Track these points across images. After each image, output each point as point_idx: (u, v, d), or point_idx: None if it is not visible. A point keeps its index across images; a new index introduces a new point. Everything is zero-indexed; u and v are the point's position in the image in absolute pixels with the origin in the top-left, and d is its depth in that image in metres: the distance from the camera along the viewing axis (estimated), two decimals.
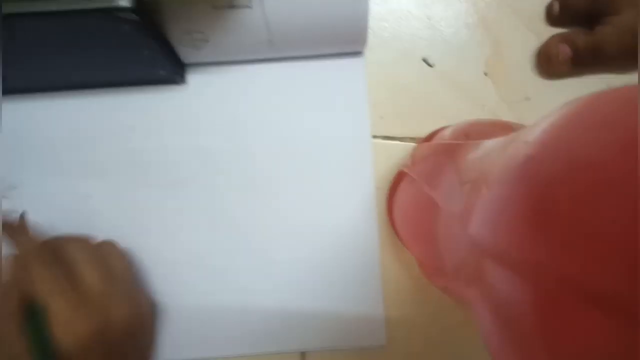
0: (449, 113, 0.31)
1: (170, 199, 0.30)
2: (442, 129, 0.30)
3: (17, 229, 0.26)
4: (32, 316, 0.23)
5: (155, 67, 0.28)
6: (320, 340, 0.32)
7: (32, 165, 0.31)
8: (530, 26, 0.32)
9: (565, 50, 0.29)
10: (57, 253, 0.25)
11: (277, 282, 0.31)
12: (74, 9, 0.22)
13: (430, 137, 0.30)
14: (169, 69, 0.28)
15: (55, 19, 0.23)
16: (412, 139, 0.31)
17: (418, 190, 0.25)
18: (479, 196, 0.15)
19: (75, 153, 0.31)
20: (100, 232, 0.28)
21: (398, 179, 0.30)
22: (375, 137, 0.31)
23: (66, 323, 0.23)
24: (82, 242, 0.26)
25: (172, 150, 0.31)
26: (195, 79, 0.31)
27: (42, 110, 0.30)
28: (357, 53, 0.31)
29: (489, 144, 0.18)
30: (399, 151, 0.31)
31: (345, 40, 0.29)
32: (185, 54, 0.29)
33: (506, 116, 0.32)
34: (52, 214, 0.30)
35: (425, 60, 0.31)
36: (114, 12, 0.22)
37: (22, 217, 0.27)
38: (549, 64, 0.30)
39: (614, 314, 0.10)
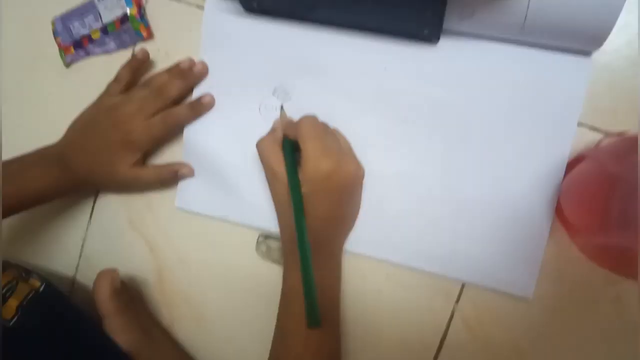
0: None
1: (400, 131, 0.39)
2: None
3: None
4: (292, 150, 0.36)
5: (424, 25, 0.36)
6: (481, 277, 0.38)
7: (302, 80, 0.41)
8: None
9: None
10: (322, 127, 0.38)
11: (464, 217, 0.38)
12: None
13: (620, 134, 0.36)
14: (433, 29, 0.36)
15: None
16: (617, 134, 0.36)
17: (598, 170, 0.32)
18: None
19: (340, 80, 0.40)
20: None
21: (573, 164, 0.36)
22: (580, 124, 0.36)
23: (314, 159, 0.35)
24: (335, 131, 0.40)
25: (412, 94, 0.39)
26: (446, 44, 0.38)
27: (326, 42, 0.40)
28: (588, 53, 0.36)
29: None
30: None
31: (586, 37, 0.34)
32: (450, 21, 0.36)
33: None
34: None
35: None
36: None
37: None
38: None
39: None
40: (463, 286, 0.39)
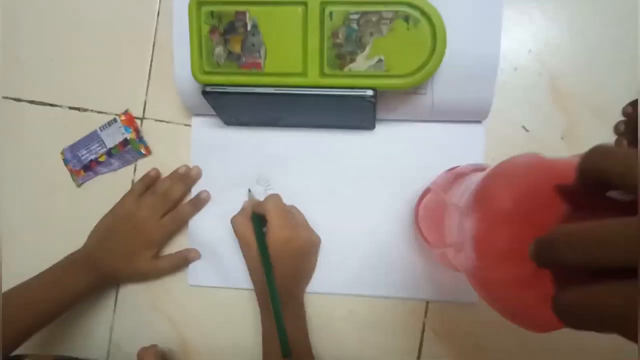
0: None
1: (350, 194, 0.52)
2: (457, 167, 0.48)
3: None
4: (260, 223, 0.47)
5: (363, 121, 0.49)
6: (440, 294, 0.51)
7: (277, 170, 0.53)
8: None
9: None
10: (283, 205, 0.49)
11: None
12: (342, 94, 0.43)
13: (453, 168, 0.48)
14: (369, 122, 0.49)
15: (326, 98, 0.44)
16: None
17: (437, 198, 0.43)
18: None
19: (305, 166, 0.53)
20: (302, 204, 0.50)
21: (424, 194, 0.48)
22: None
23: (277, 229, 0.46)
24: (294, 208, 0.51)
25: (357, 167, 0.52)
26: (380, 128, 0.52)
27: (291, 140, 0.53)
28: (478, 121, 0.51)
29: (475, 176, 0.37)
30: None
31: (475, 113, 0.49)
32: (380, 114, 0.49)
33: None
34: (286, 192, 0.52)
35: (523, 127, 0.50)
36: (364, 97, 0.43)
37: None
38: None
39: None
40: (428, 303, 0.51)
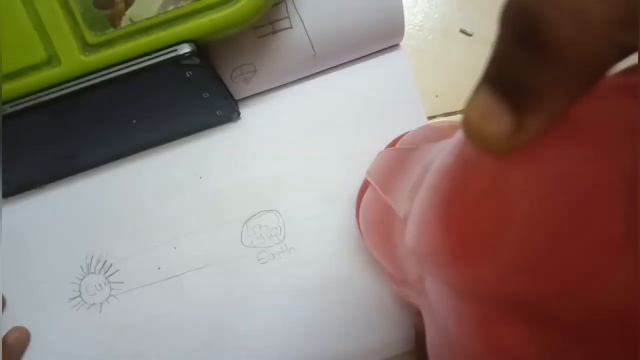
0: None
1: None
2: (405, 134, 0.28)
3: None
4: None
5: (213, 109, 0.29)
6: None
7: (112, 236, 0.31)
8: None
9: None
10: None
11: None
12: (140, 67, 0.23)
13: (394, 143, 0.28)
14: (225, 108, 0.29)
15: (120, 82, 0.23)
16: None
17: (378, 197, 0.23)
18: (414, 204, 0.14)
19: (158, 209, 0.31)
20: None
21: (365, 185, 0.28)
22: (434, 117, 0.31)
23: None
24: None
25: (235, 185, 0.31)
26: (248, 113, 0.31)
27: (123, 180, 0.31)
28: (396, 46, 0.31)
29: (435, 149, 0.17)
30: None
31: (384, 36, 0.29)
32: (237, 89, 0.29)
33: None
34: (141, 269, 0.30)
35: (463, 31, 0.31)
36: (179, 60, 0.23)
37: None
38: None
39: (534, 322, 0.09)
40: None
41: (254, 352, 0.30)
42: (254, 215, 0.31)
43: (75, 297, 0.31)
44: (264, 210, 0.31)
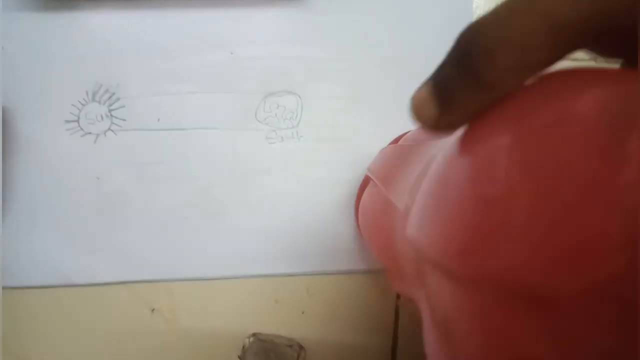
0: None
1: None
2: (407, 132, 0.28)
3: None
4: None
5: None
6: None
7: (128, 71, 0.30)
8: None
9: None
10: None
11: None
12: None
13: (396, 141, 0.28)
14: None
15: None
16: None
17: (379, 193, 0.23)
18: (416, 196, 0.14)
19: (179, 62, 0.30)
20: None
21: (366, 181, 0.28)
22: None
23: None
24: None
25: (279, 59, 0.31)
26: None
27: (150, 18, 0.30)
28: None
29: (438, 144, 0.17)
30: None
31: None
32: None
33: None
34: (149, 112, 0.30)
35: None
36: None
37: None
38: None
39: (534, 309, 0.09)
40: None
41: (236, 224, 0.30)
42: (275, 93, 0.30)
43: (72, 121, 0.30)
44: (287, 91, 0.30)
